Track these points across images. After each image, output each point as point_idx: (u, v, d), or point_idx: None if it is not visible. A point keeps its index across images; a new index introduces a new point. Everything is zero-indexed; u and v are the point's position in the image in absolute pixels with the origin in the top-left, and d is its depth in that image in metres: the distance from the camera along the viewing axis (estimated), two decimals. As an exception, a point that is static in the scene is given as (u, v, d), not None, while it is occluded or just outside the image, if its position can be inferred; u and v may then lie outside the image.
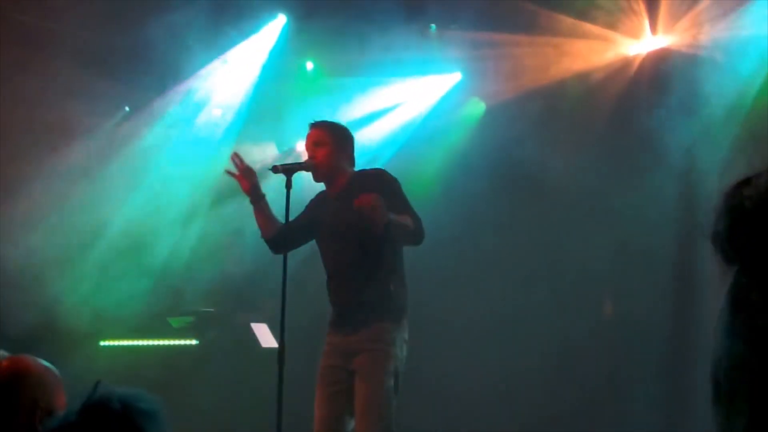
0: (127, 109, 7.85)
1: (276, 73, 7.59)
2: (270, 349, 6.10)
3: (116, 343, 7.29)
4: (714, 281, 0.93)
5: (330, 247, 4.41)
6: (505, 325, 6.88)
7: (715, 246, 0.90)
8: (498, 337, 6.89)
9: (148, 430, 1.66)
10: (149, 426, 1.67)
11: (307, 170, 4.43)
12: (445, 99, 7.62)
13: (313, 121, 4.54)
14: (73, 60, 6.66)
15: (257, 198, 4.48)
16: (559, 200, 6.79)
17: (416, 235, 4.21)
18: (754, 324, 0.86)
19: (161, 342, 7.21)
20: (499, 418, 6.60)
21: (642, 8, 6.55)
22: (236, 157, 4.51)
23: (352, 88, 7.57)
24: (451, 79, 7.55)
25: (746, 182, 0.90)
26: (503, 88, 7.16)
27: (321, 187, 4.55)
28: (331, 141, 4.43)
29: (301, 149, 7.79)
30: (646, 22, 6.62)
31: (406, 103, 7.81)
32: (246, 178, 4.46)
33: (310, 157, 4.44)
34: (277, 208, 4.48)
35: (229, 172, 4.51)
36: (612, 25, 6.64)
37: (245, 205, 4.61)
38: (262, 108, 7.80)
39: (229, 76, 7.73)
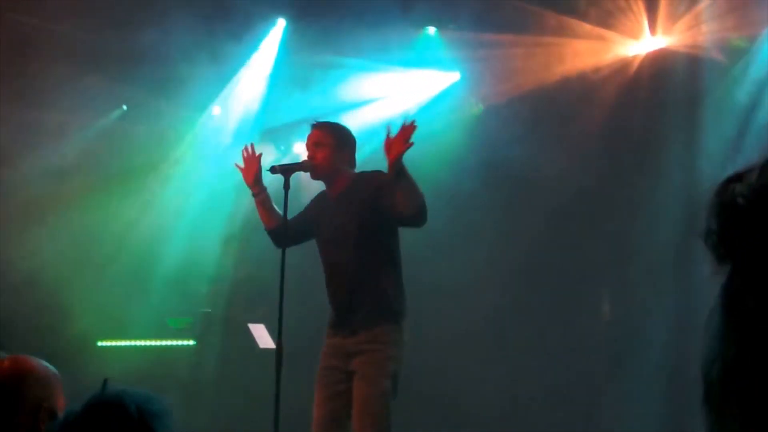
0: (124, 107, 7.84)
1: (283, 79, 7.53)
2: (268, 350, 6.08)
3: (114, 343, 7.27)
4: (713, 281, 0.91)
5: (329, 249, 4.41)
6: (501, 325, 6.88)
7: (707, 245, 0.88)
8: (494, 337, 6.89)
9: None
10: (162, 428, 1.66)
11: (305, 170, 4.42)
12: (441, 98, 7.56)
13: (315, 122, 4.53)
14: (70, 60, 6.63)
15: (259, 191, 4.46)
16: (558, 200, 6.77)
17: (420, 206, 4.12)
18: (748, 327, 0.84)
19: (159, 342, 7.20)
20: (499, 418, 6.58)
21: (641, 8, 6.53)
22: (248, 149, 4.49)
23: (341, 77, 7.47)
24: (449, 77, 7.51)
25: (737, 178, 0.87)
26: (502, 89, 7.14)
27: (320, 187, 4.55)
28: (332, 142, 4.41)
29: (299, 150, 7.78)
30: (646, 23, 6.60)
31: (399, 95, 7.63)
32: (250, 167, 4.45)
33: (309, 157, 4.42)
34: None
35: (237, 166, 4.50)
36: (611, 26, 6.63)
37: (246, 203, 4.60)
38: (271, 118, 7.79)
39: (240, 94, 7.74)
